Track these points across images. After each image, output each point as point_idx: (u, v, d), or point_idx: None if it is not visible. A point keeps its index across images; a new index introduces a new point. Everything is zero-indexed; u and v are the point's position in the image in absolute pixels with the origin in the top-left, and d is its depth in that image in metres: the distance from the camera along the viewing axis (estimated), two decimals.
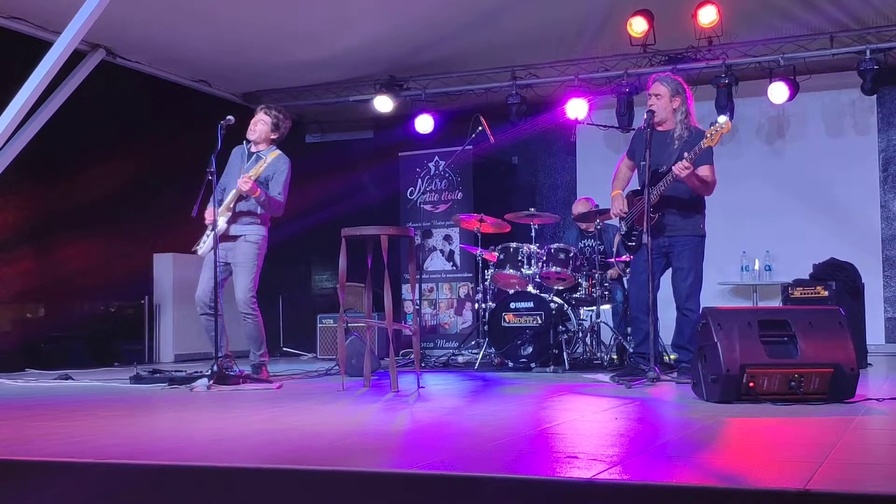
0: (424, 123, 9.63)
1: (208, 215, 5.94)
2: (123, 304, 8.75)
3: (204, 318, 5.92)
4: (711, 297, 7.89)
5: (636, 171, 5.86)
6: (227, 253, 6.00)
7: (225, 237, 5.96)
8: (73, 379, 6.43)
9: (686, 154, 5.36)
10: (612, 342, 7.20)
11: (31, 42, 7.48)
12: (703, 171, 5.52)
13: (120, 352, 8.40)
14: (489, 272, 7.41)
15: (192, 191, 5.84)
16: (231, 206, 5.97)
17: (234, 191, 6.02)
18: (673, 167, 5.39)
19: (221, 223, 5.93)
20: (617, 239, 6.20)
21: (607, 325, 7.21)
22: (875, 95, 8.56)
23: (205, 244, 6.05)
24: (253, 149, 6.14)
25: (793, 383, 4.13)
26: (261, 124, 6.11)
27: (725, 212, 7.16)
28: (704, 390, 4.36)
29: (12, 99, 6.54)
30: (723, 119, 5.41)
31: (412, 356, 6.23)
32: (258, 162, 6.01)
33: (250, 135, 6.11)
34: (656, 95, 5.66)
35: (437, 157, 9.68)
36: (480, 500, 2.35)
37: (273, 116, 6.14)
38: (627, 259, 6.23)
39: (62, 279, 7.88)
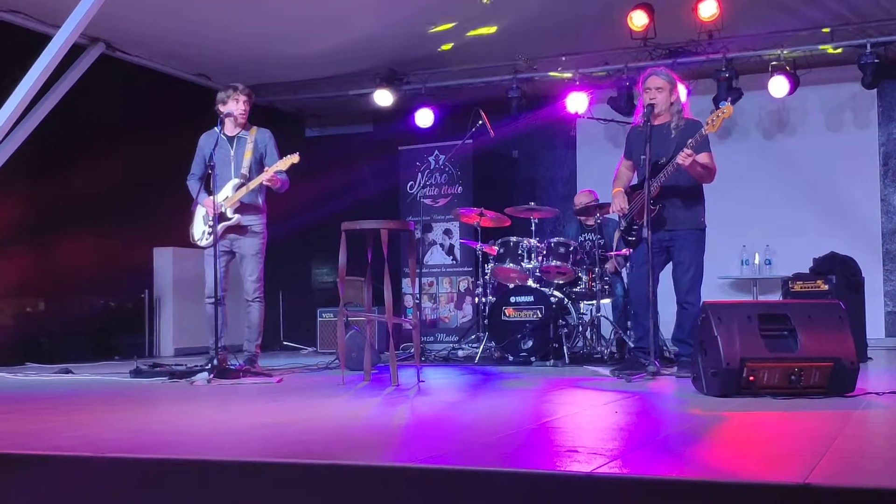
0: (424, 117, 9.61)
1: (208, 206, 5.96)
2: (123, 298, 8.74)
3: (210, 306, 5.98)
4: (711, 291, 7.89)
5: (636, 170, 5.88)
6: (231, 242, 6.10)
7: (230, 227, 6.03)
8: (73, 373, 6.44)
9: (690, 141, 5.39)
10: (612, 336, 7.19)
11: (29, 36, 7.45)
12: (703, 158, 5.54)
13: (120, 346, 8.39)
14: (489, 266, 7.40)
15: None
16: (236, 197, 6.00)
17: (232, 181, 6.04)
18: (677, 157, 5.40)
19: (230, 213, 5.98)
20: (617, 235, 6.20)
21: (607, 318, 7.20)
22: (875, 89, 8.57)
23: (204, 234, 6.07)
24: (229, 132, 6.13)
25: (793, 377, 4.13)
26: (245, 105, 6.11)
27: (725, 206, 7.16)
28: (704, 384, 4.36)
29: (11, 93, 6.53)
30: (724, 105, 5.43)
31: (412, 350, 6.24)
32: (244, 146, 6.07)
33: (241, 118, 6.10)
34: (657, 89, 5.67)
35: (437, 151, 9.67)
36: (481, 494, 2.35)
37: (248, 94, 6.16)
38: (626, 253, 6.24)
39: (62, 273, 7.88)
